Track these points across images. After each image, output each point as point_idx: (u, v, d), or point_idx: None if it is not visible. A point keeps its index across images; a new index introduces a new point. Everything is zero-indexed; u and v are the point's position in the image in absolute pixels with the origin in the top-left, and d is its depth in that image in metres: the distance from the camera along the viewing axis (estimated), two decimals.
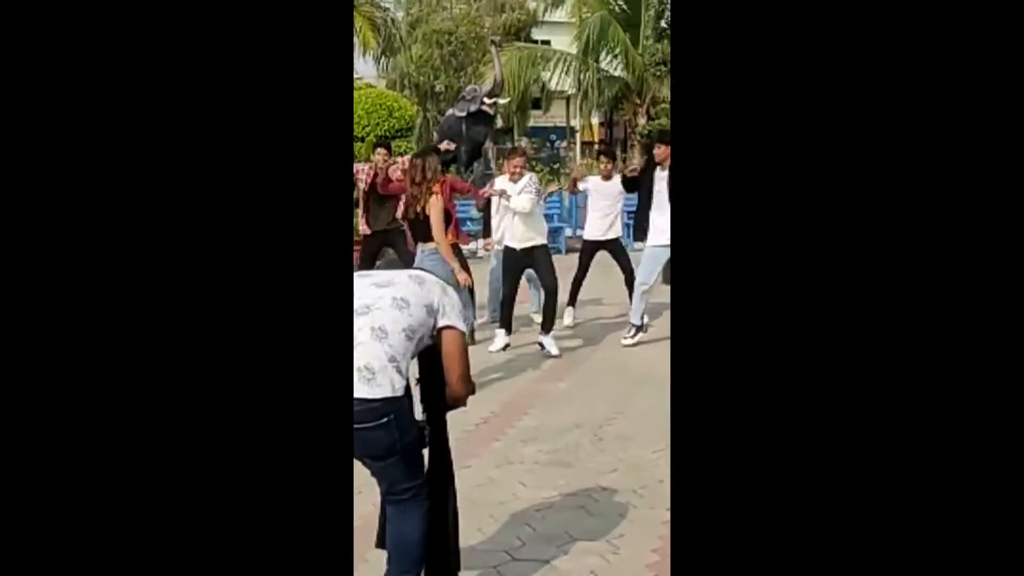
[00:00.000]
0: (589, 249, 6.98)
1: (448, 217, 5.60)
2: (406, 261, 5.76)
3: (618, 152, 21.20)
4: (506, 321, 6.27)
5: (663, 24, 19.97)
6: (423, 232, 5.55)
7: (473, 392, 2.65)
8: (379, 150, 7.06)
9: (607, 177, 6.97)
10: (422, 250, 5.60)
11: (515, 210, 6.06)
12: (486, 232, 6.55)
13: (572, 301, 7.05)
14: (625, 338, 6.40)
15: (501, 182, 6.43)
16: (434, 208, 5.39)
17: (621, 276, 6.96)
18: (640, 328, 6.39)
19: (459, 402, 2.60)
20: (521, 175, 6.28)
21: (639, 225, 6.30)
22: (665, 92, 19.16)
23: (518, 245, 6.16)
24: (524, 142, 21.41)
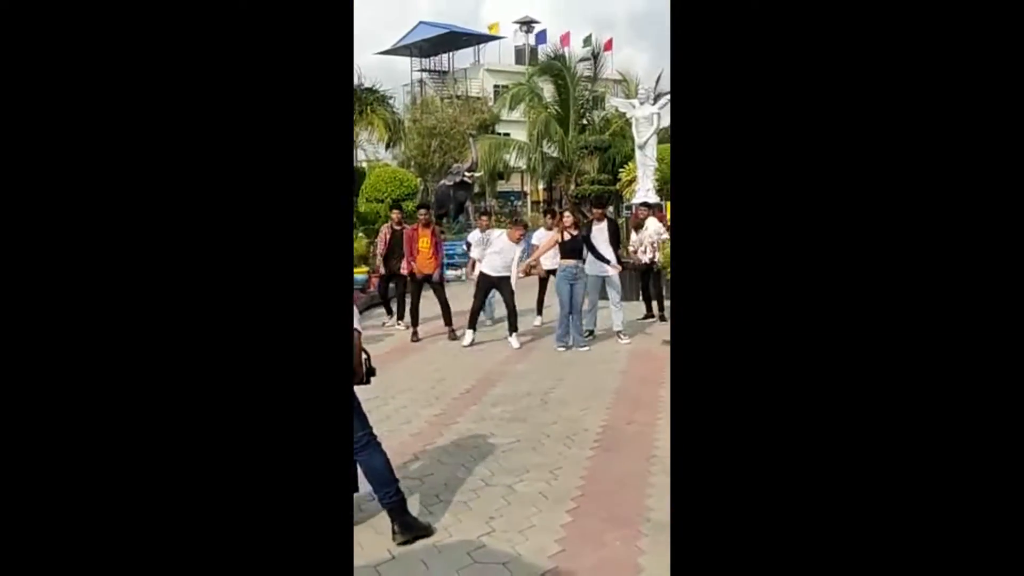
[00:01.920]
0: (545, 276, 7.05)
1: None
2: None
3: (556, 209, 21.35)
4: (472, 323, 6.30)
5: (583, 121, 20.24)
6: (564, 253, 5.98)
7: (374, 374, 2.59)
8: (395, 211, 7.24)
9: (550, 228, 7.05)
10: (563, 267, 6.02)
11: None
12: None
13: (539, 310, 7.14)
14: (579, 338, 6.26)
15: (490, 236, 6.43)
16: (549, 239, 6.15)
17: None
18: (592, 332, 6.32)
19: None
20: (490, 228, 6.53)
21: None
22: (586, 167, 19.38)
23: (492, 273, 6.22)
24: (493, 202, 21.45)
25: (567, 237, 6.02)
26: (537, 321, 7.09)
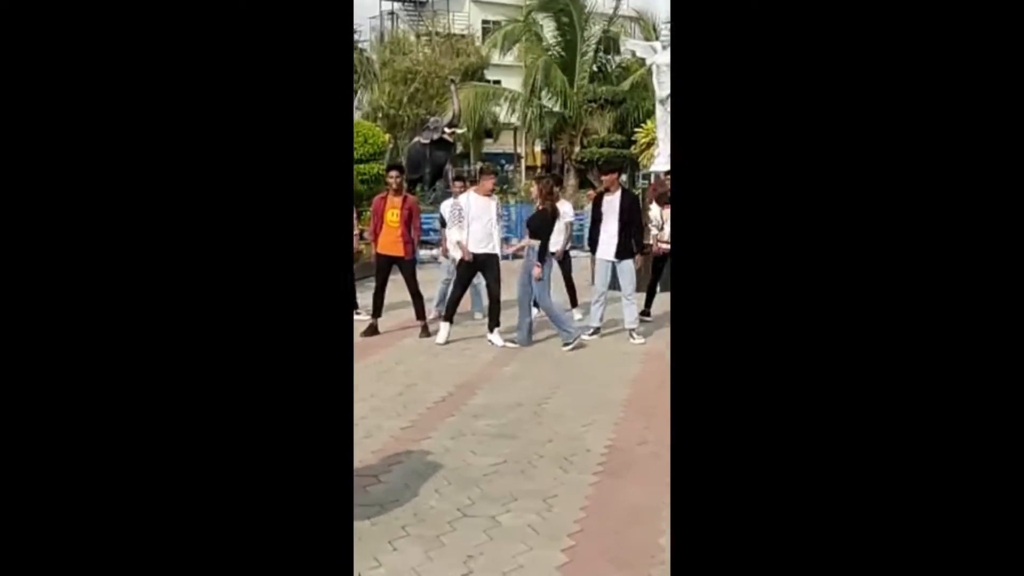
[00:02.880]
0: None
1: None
2: None
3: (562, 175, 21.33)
4: (450, 315, 6.27)
5: (594, 68, 20.17)
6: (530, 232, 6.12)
7: None
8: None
9: (556, 199, 7.03)
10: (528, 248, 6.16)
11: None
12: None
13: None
14: (584, 336, 6.34)
15: (474, 199, 6.22)
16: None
17: (562, 281, 7.06)
18: (598, 329, 6.38)
19: None
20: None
21: (592, 239, 6.41)
22: (595, 125, 19.34)
23: (475, 249, 6.12)
24: (479, 166, 21.43)
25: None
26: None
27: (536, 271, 5.98)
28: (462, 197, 6.31)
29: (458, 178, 7.59)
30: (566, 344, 5.98)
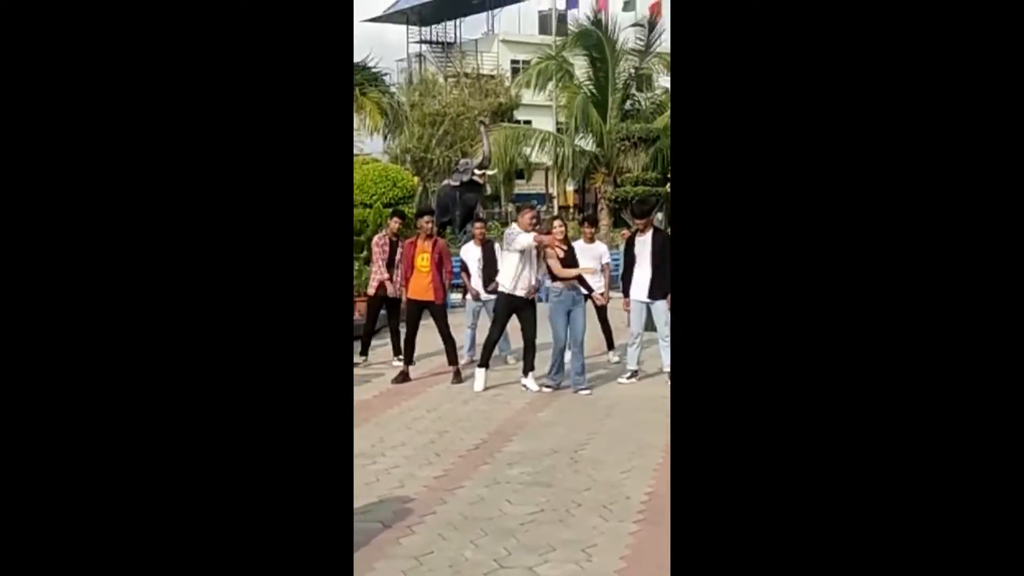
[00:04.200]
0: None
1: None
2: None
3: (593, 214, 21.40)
4: (486, 360, 6.30)
5: (627, 106, 20.41)
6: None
7: None
8: (394, 218, 7.25)
9: (590, 240, 7.12)
10: (556, 290, 6.14)
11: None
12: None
13: None
14: (621, 379, 6.39)
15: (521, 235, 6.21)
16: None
17: (597, 323, 7.08)
18: (635, 372, 6.40)
19: None
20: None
21: (625, 281, 6.48)
22: (628, 163, 19.49)
23: (517, 292, 6.16)
24: (510, 207, 21.64)
25: (560, 253, 6.08)
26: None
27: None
28: (511, 232, 6.39)
29: (480, 219, 7.74)
30: (577, 388, 6.04)
